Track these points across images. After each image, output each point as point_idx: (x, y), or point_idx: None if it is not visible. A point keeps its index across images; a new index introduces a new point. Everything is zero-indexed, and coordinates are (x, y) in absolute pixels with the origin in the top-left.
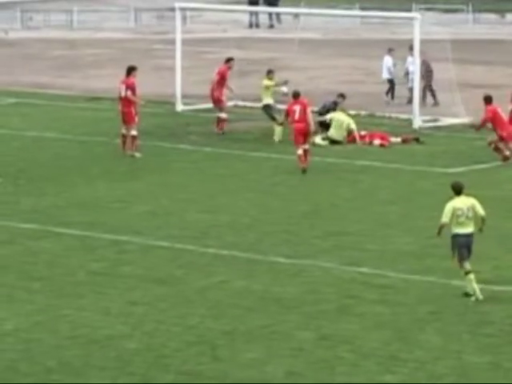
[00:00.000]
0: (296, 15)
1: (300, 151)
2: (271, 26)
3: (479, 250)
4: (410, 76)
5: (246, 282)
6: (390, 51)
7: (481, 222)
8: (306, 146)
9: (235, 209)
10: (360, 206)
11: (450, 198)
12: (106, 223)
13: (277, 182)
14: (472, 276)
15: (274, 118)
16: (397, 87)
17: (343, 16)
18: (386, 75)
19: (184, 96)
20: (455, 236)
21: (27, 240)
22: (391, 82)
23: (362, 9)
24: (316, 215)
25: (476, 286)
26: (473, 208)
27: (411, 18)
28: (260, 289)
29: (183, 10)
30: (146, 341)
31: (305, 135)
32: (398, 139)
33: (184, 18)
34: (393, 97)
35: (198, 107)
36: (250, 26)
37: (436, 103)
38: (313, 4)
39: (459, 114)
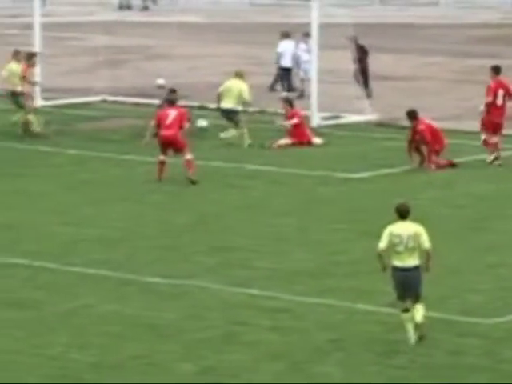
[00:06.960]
0: None
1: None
2: (145, 8)
3: None
4: (303, 66)
5: (116, 306)
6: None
7: (425, 257)
8: None
9: (103, 221)
10: (250, 217)
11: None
12: None
13: (152, 190)
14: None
15: None
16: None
17: None
18: (286, 63)
19: (44, 90)
20: (392, 269)
21: None
22: (287, 70)
23: None
24: (199, 228)
25: (410, 328)
26: (415, 237)
27: None
28: (132, 313)
29: None
30: None
31: None
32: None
33: None
34: (290, 88)
35: (60, 102)
36: (120, 7)
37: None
38: None
39: (364, 110)
